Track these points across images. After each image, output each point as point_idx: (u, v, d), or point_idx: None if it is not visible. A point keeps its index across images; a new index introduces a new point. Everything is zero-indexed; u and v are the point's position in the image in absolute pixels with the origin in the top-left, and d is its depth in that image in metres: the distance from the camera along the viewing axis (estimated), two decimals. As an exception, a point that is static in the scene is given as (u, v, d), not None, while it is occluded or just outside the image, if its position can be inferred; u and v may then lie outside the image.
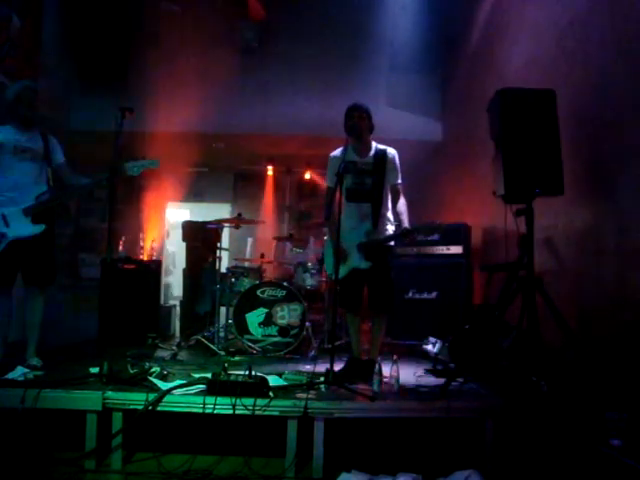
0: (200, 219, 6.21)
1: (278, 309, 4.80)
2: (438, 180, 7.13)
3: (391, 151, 3.73)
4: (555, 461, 2.62)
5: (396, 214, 3.69)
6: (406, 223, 3.56)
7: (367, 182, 3.67)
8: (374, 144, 3.75)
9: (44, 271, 3.61)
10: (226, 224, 5.21)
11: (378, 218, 3.64)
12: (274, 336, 4.76)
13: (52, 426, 2.99)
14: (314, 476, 2.81)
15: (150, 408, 2.85)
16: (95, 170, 3.78)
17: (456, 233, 5.14)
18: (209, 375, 3.07)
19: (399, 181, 3.71)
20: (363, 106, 3.67)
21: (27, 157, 3.55)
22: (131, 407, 2.87)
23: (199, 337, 4.88)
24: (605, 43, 3.46)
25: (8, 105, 3.57)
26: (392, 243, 3.74)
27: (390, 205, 3.73)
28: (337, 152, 3.74)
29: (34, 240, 3.52)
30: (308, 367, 3.93)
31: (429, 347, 4.30)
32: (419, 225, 3.53)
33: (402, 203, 3.66)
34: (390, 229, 3.70)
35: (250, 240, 7.65)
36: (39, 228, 3.52)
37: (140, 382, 3.10)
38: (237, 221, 5.16)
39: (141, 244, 6.34)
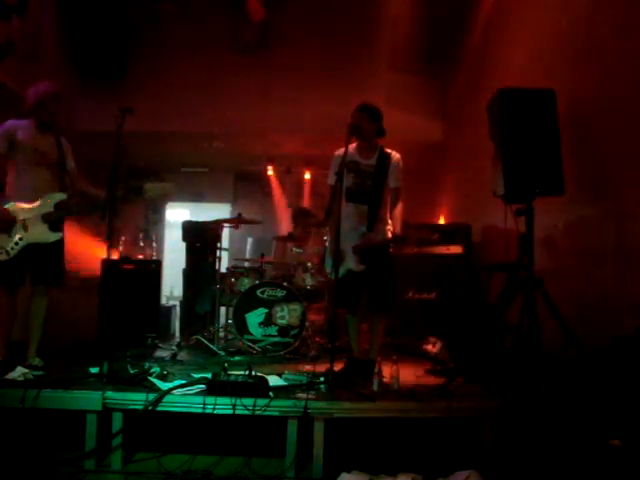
0: (200, 219, 6.21)
1: (278, 309, 4.80)
2: (438, 180, 7.13)
3: (396, 155, 3.73)
4: (555, 461, 2.62)
5: (391, 218, 3.70)
6: (397, 229, 3.58)
7: (367, 184, 3.67)
8: (380, 147, 3.74)
9: (53, 271, 3.61)
10: (226, 224, 5.21)
11: (375, 221, 3.64)
12: (274, 336, 4.75)
13: (52, 426, 2.98)
14: (314, 476, 2.81)
15: (150, 408, 2.84)
16: (95, 171, 3.78)
17: (456, 233, 5.14)
18: (209, 375, 3.06)
19: (399, 185, 3.71)
20: (369, 106, 3.67)
21: (43, 163, 3.56)
22: (131, 407, 2.87)
23: (199, 337, 4.88)
24: (605, 42, 3.45)
25: (30, 106, 3.54)
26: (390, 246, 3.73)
27: (389, 208, 3.74)
28: (341, 150, 3.73)
29: (53, 244, 3.55)
30: (308, 367, 3.93)
31: (429, 347, 4.30)
32: (408, 234, 3.56)
33: (398, 208, 3.66)
34: (388, 232, 3.70)
35: (250, 240, 7.67)
36: (56, 236, 3.54)
37: (140, 382, 3.10)
38: (237, 221, 5.16)
39: (141, 244, 6.34)
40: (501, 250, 3.63)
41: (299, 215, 6.14)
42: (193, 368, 3.80)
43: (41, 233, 3.49)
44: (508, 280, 3.45)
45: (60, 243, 3.63)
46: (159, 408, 2.88)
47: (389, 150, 3.75)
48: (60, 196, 3.56)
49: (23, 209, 3.47)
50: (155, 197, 3.54)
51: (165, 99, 6.36)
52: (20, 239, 3.45)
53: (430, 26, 6.17)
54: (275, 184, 8.81)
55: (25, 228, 3.46)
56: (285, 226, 8.24)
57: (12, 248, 3.44)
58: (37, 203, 3.50)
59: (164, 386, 3.02)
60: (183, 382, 3.10)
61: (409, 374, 3.71)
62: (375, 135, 3.72)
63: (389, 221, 3.71)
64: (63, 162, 3.64)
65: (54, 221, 3.53)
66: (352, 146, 3.68)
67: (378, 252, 3.64)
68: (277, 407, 2.86)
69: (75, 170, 3.76)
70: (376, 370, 3.21)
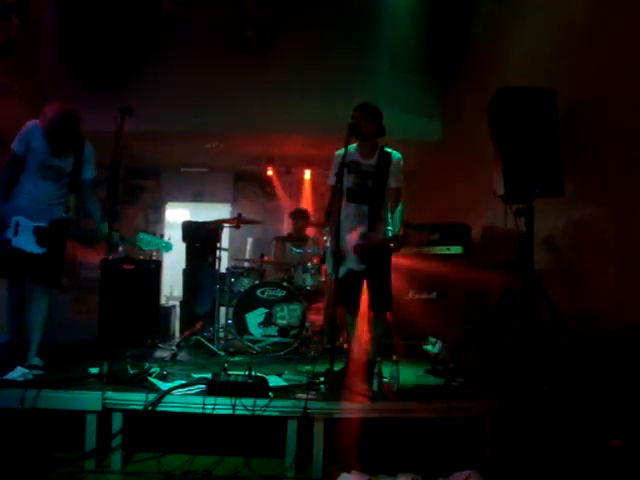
0: (200, 219, 6.21)
1: (278, 309, 4.80)
2: (438, 180, 7.12)
3: (396, 155, 3.72)
4: (555, 461, 2.62)
5: (392, 218, 3.70)
6: (398, 229, 3.58)
7: (368, 184, 3.67)
8: (380, 146, 3.74)
9: (51, 271, 3.58)
10: (226, 224, 5.21)
11: (376, 221, 3.63)
12: (274, 336, 4.76)
13: (52, 426, 2.98)
14: (314, 476, 2.81)
15: (150, 408, 2.84)
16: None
17: (456, 233, 5.13)
18: (209, 375, 3.06)
19: (399, 185, 3.70)
20: (368, 107, 3.66)
21: (50, 175, 3.50)
22: (131, 407, 2.87)
23: (199, 337, 4.88)
24: (605, 43, 3.45)
25: (45, 126, 3.42)
26: (391, 245, 3.72)
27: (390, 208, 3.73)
28: (342, 150, 3.73)
29: (36, 255, 3.48)
30: (308, 367, 3.93)
31: (429, 347, 4.30)
32: (409, 233, 3.54)
33: (399, 208, 3.66)
34: (389, 232, 3.69)
35: (250, 240, 7.66)
36: (40, 250, 3.46)
37: (140, 382, 3.10)
38: (237, 221, 5.16)
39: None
40: (501, 250, 3.63)
41: (297, 216, 6.15)
42: (193, 368, 3.80)
43: (27, 243, 3.46)
44: (508, 280, 3.45)
45: (58, 247, 3.60)
46: (159, 408, 2.87)
47: (389, 149, 3.74)
48: (59, 215, 3.53)
49: (22, 213, 3.46)
50: (145, 248, 3.47)
51: (165, 99, 6.35)
52: (8, 241, 3.44)
53: (430, 26, 6.18)
54: (276, 184, 8.81)
55: (16, 232, 3.45)
56: (285, 226, 8.25)
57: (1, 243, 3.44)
58: (36, 214, 3.47)
59: (164, 386, 3.02)
60: (183, 382, 3.10)
61: (409, 374, 3.71)
62: (375, 135, 3.71)
63: (390, 221, 3.71)
64: (76, 177, 3.56)
65: (43, 236, 3.47)
66: (352, 146, 3.67)
67: (379, 252, 3.63)
68: (277, 407, 2.86)
69: (90, 184, 3.66)
70: (376, 370, 3.21)
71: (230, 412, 2.83)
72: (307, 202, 8.58)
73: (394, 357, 3.29)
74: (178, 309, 6.29)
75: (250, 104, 6.46)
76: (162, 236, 3.86)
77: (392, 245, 3.68)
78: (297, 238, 5.90)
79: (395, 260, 3.81)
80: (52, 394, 2.89)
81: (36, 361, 3.49)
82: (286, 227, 7.98)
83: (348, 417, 2.91)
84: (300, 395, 2.94)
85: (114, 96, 5.80)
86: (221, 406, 2.84)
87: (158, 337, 4.99)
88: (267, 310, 4.80)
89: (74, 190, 3.56)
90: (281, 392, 3.04)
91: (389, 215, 3.72)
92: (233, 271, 5.24)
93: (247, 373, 2.98)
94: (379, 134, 3.73)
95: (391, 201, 3.70)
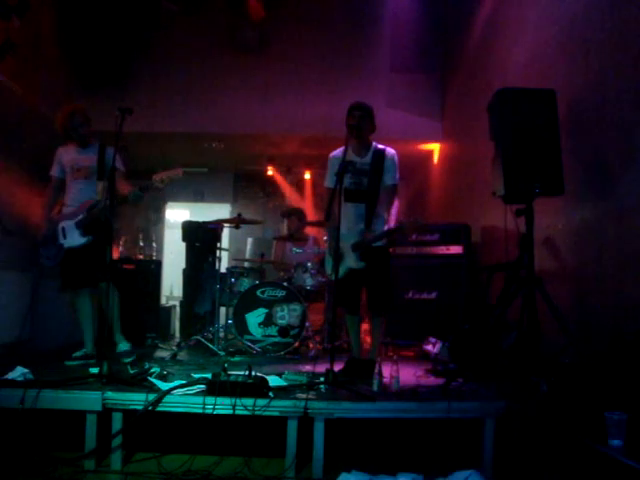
0: (200, 219, 6.21)
1: (278, 309, 4.80)
2: (438, 180, 7.13)
3: (390, 151, 3.72)
4: (555, 461, 2.62)
5: (388, 214, 3.69)
6: (392, 223, 3.58)
7: (364, 182, 3.67)
8: (373, 144, 3.74)
9: (90, 272, 3.80)
10: (226, 224, 5.21)
11: (372, 218, 3.63)
12: (274, 336, 4.76)
13: (52, 426, 2.98)
14: (314, 476, 2.80)
15: (150, 408, 2.84)
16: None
17: (456, 233, 5.13)
18: (209, 375, 3.06)
19: (395, 182, 3.70)
20: (366, 105, 3.66)
21: (81, 176, 3.95)
22: (131, 407, 2.87)
23: (199, 337, 4.88)
24: (605, 42, 3.45)
25: (63, 130, 3.92)
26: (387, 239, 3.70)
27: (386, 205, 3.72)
28: (337, 152, 3.74)
29: (85, 247, 3.84)
30: (308, 367, 3.93)
31: (429, 347, 4.30)
32: (402, 223, 3.52)
33: (395, 205, 3.66)
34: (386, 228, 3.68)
35: (250, 240, 7.67)
36: (87, 239, 3.84)
37: (140, 382, 3.10)
38: (237, 221, 5.16)
39: (141, 244, 6.34)
40: (501, 250, 3.63)
41: (287, 215, 6.16)
42: (193, 368, 3.81)
43: (74, 238, 3.82)
44: (508, 280, 3.45)
45: (99, 244, 3.77)
46: (159, 408, 2.87)
47: (382, 146, 3.73)
48: (91, 202, 3.83)
49: (65, 219, 3.87)
50: (162, 186, 3.68)
51: (165, 99, 6.37)
52: (60, 245, 3.82)
53: (430, 26, 6.18)
54: (275, 184, 8.82)
55: (64, 235, 3.83)
56: (284, 226, 8.26)
57: (55, 255, 3.83)
58: (75, 213, 3.84)
59: (164, 386, 3.01)
60: (183, 382, 3.09)
61: (409, 374, 3.71)
62: (370, 132, 3.72)
63: (387, 218, 3.70)
64: (102, 171, 3.89)
65: (86, 226, 3.79)
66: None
67: (378, 251, 3.63)
68: (277, 407, 2.86)
69: (117, 173, 3.78)
70: (376, 370, 3.21)
71: (230, 412, 2.83)
72: (307, 202, 8.59)
73: (394, 357, 3.29)
74: (178, 309, 6.30)
75: (250, 104, 6.46)
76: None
77: (388, 239, 3.66)
78: (296, 238, 5.90)
79: (396, 260, 3.81)
80: (52, 394, 2.89)
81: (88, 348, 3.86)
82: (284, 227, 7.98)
83: (348, 417, 2.92)
84: (300, 395, 2.94)
85: (114, 96, 5.82)
86: (221, 406, 2.84)
87: (158, 337, 4.99)
88: (267, 310, 4.80)
89: (101, 177, 3.90)
90: (281, 392, 3.04)
91: (386, 212, 3.71)
92: (233, 271, 5.24)
93: (247, 373, 2.97)
94: (372, 131, 3.73)
95: (388, 198, 3.70)
